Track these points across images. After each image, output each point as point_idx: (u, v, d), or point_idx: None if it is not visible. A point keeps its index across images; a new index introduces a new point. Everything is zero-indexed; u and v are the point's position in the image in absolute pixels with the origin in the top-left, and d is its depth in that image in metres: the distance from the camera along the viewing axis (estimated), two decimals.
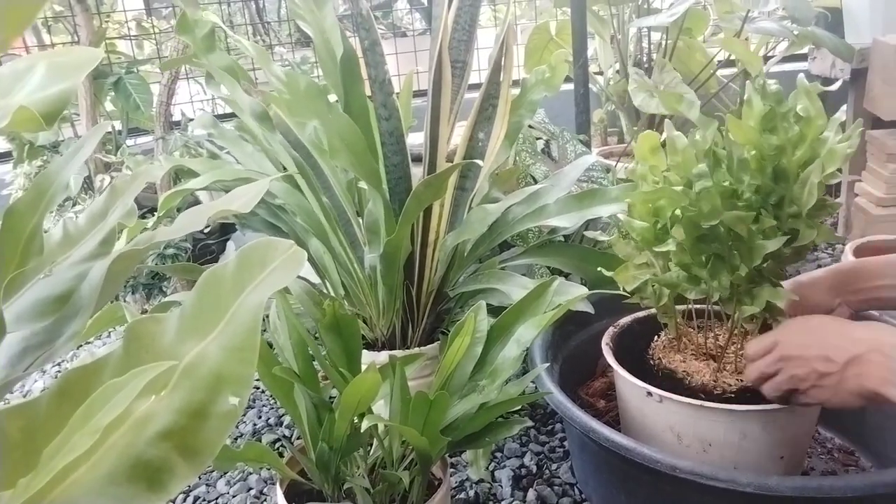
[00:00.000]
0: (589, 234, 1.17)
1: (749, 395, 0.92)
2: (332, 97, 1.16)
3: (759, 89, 0.85)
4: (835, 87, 2.07)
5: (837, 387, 0.79)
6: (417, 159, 1.18)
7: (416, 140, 1.27)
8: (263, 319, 0.99)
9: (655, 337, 1.06)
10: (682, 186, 0.88)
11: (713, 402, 0.91)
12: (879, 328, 0.81)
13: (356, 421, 0.85)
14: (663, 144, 0.96)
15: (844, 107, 0.86)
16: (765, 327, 0.98)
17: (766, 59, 2.37)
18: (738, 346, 0.99)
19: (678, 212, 0.90)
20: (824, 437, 1.15)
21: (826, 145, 0.83)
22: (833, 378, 0.79)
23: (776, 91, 0.84)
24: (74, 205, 1.88)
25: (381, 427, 0.92)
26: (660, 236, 0.95)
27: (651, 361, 1.01)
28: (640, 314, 1.13)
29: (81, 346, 1.82)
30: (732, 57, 2.22)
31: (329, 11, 1.23)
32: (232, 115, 2.58)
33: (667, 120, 0.97)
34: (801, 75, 0.88)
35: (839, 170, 0.83)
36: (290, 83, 1.08)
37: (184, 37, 1.29)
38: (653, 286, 0.99)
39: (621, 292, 1.02)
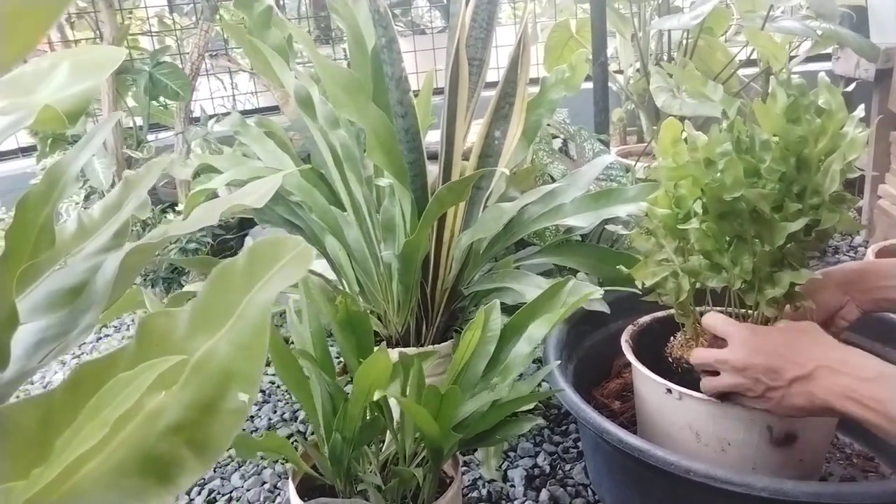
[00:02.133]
0: (610, 227, 1.16)
1: None
2: None
3: (783, 82, 0.86)
4: (850, 87, 2.04)
5: (782, 401, 0.81)
6: (433, 157, 1.18)
7: (432, 138, 1.27)
8: (281, 314, 0.99)
9: (672, 337, 1.06)
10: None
11: None
12: (830, 345, 0.82)
13: (368, 413, 0.86)
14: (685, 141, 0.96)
15: (862, 106, 0.86)
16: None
17: (790, 59, 2.34)
18: None
19: (700, 192, 0.92)
20: (843, 442, 1.13)
21: (846, 139, 0.84)
22: (778, 392, 0.82)
23: (800, 83, 0.86)
24: (101, 198, 1.90)
25: (394, 421, 0.92)
26: (682, 223, 0.95)
27: (669, 359, 1.01)
28: (660, 314, 1.11)
29: (101, 338, 1.85)
30: (754, 56, 2.19)
31: (363, 4, 1.22)
32: (252, 112, 2.59)
33: (686, 120, 0.97)
34: (822, 73, 0.88)
35: (861, 170, 0.84)
36: (333, 73, 1.08)
37: (242, 11, 1.28)
38: (673, 280, 0.99)
39: (637, 290, 1.02)
